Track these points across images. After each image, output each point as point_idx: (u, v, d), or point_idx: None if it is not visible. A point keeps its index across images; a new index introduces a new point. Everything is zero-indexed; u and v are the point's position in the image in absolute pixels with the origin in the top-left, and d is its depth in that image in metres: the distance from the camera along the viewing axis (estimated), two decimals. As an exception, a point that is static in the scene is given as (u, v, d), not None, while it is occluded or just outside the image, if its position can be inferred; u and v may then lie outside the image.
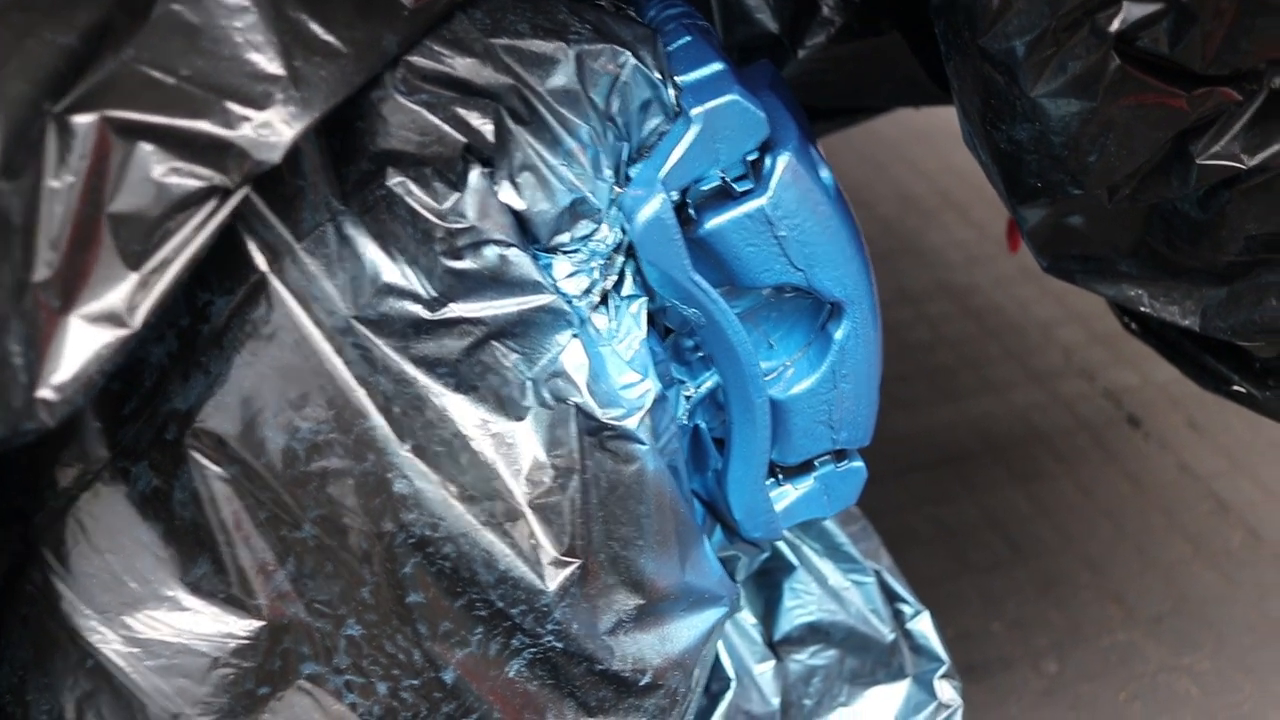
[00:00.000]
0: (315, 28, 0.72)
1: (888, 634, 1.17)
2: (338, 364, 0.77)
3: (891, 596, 1.20)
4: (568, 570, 0.81)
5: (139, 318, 0.68)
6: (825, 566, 1.17)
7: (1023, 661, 1.74)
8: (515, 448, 0.80)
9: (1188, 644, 1.78)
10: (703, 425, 0.95)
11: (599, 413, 0.81)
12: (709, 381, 0.92)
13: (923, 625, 1.19)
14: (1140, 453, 2.13)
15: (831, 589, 1.16)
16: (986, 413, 2.21)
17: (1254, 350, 1.06)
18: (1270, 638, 1.79)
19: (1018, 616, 1.81)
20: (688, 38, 0.86)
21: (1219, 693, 1.71)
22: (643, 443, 0.82)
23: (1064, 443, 2.14)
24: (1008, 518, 1.98)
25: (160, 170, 0.67)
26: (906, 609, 1.20)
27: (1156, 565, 1.91)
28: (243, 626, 0.79)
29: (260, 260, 0.75)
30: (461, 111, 0.77)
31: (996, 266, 2.57)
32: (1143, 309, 1.02)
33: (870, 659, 1.16)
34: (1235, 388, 1.11)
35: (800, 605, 1.14)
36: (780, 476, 0.98)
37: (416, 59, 0.76)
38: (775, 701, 1.11)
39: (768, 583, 1.15)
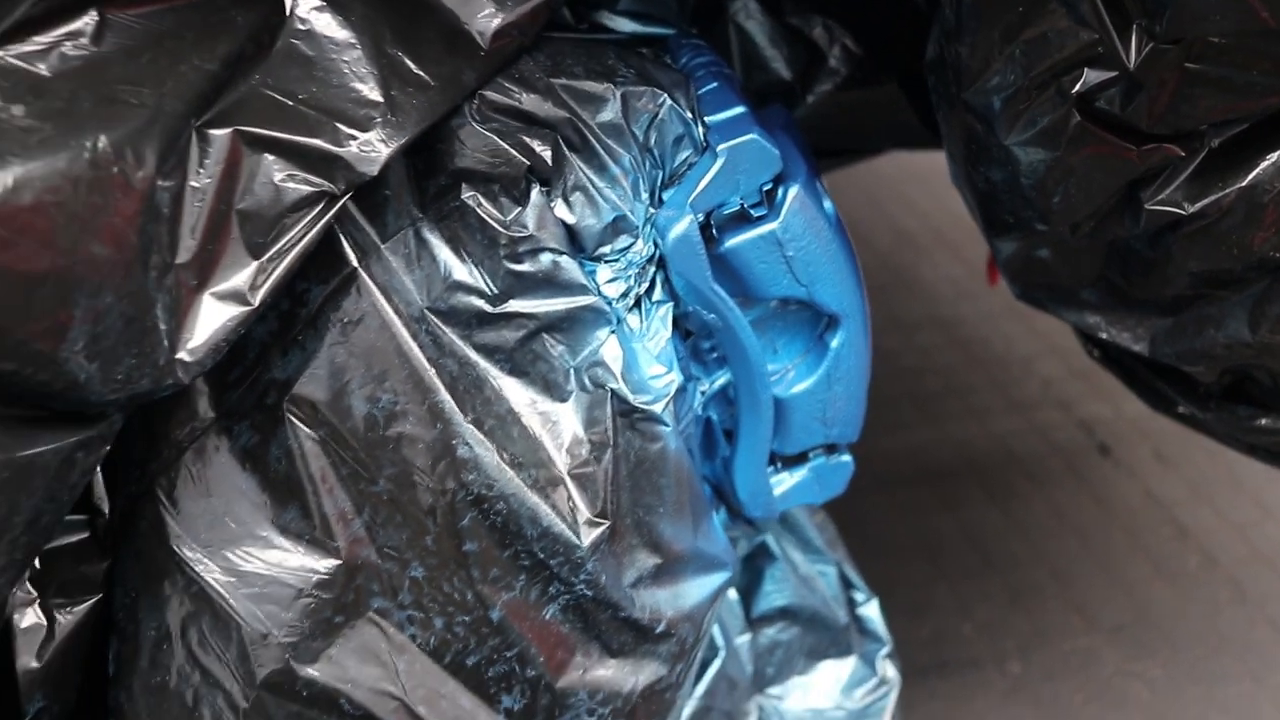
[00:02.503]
0: (409, 63, 0.82)
1: (842, 617, 1.28)
2: (413, 347, 0.85)
3: (847, 584, 1.31)
4: (599, 530, 0.90)
5: (259, 297, 0.78)
6: (797, 556, 1.28)
7: (989, 662, 1.82)
8: (558, 425, 0.89)
9: (1143, 652, 1.86)
10: (714, 418, 1.06)
11: (631, 398, 0.90)
12: (722, 379, 1.03)
13: (871, 611, 1.31)
14: (1109, 479, 2.19)
15: (802, 576, 1.27)
16: (968, 437, 2.28)
17: (1197, 375, 1.13)
18: (1219, 650, 1.87)
19: (987, 621, 1.89)
20: (715, 83, 0.97)
21: (1169, 697, 1.79)
22: (666, 424, 0.92)
23: (1038, 467, 2.21)
24: (982, 532, 2.06)
25: (280, 176, 0.78)
26: (859, 595, 1.31)
27: (1119, 581, 1.98)
28: (324, 564, 0.87)
29: (352, 256, 0.85)
30: (526, 139, 0.87)
31: (984, 302, 2.64)
32: (1101, 334, 1.12)
33: (826, 637, 1.27)
34: (1181, 409, 1.19)
35: (778, 590, 1.26)
36: (779, 465, 1.09)
37: (490, 93, 0.86)
38: (749, 669, 1.23)
39: (752, 568, 1.27)
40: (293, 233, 0.80)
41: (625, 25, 1.03)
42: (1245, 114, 0.91)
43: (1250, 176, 0.93)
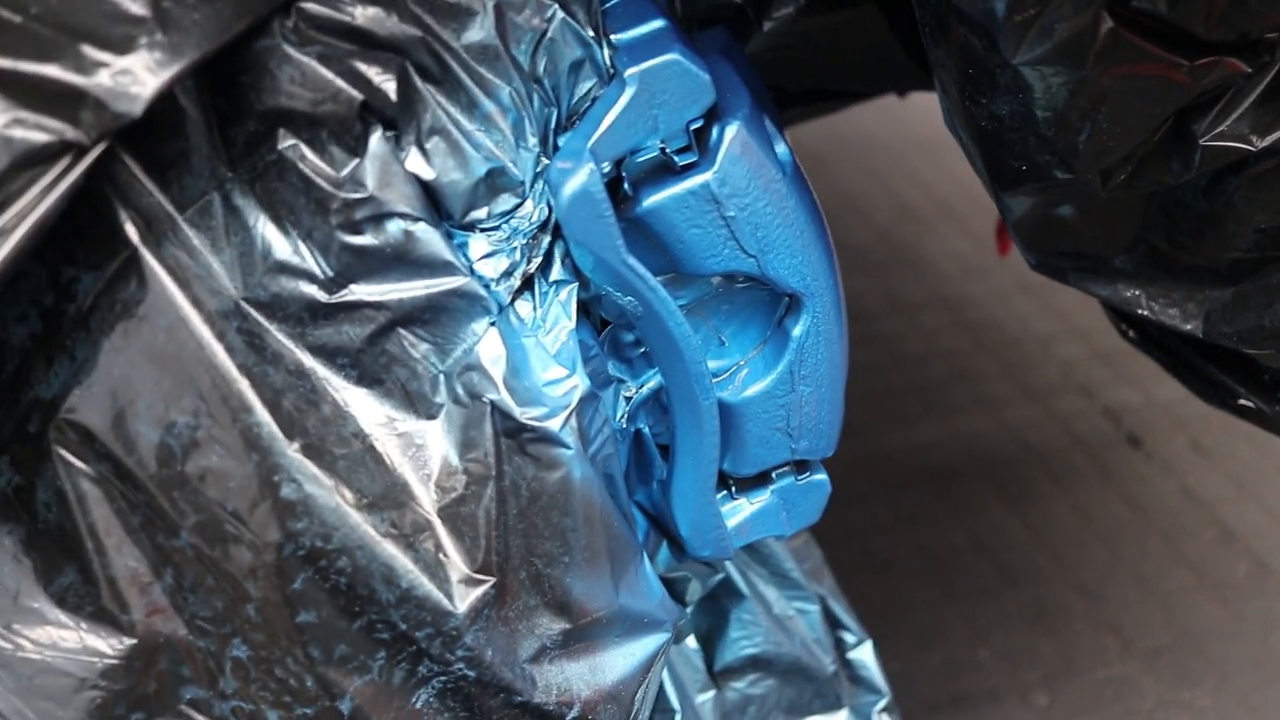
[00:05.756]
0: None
1: (829, 665, 1.11)
2: (218, 351, 0.69)
3: (834, 624, 1.15)
4: (480, 589, 0.73)
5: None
6: (770, 594, 1.11)
7: (1011, 694, 1.69)
8: (425, 450, 0.73)
9: (1188, 679, 1.73)
10: (646, 430, 0.87)
11: (518, 412, 0.72)
12: (652, 381, 0.84)
13: (864, 655, 1.15)
14: (1140, 475, 2.08)
15: (777, 618, 1.10)
16: (979, 430, 2.16)
17: (1263, 360, 0.98)
18: (1276, 675, 1.74)
19: (1007, 646, 1.77)
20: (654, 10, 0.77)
21: (1220, 731, 1.67)
22: (568, 446, 0.74)
23: (1059, 463, 2.10)
24: (998, 542, 1.94)
25: (2, 120, 0.60)
26: (849, 637, 1.15)
27: (1156, 595, 1.86)
28: (113, 644, 0.72)
29: (132, 232, 0.68)
30: (360, 65, 0.69)
31: (994, 279, 2.54)
32: (1140, 312, 0.96)
33: (809, 689, 1.11)
34: (1242, 402, 1.04)
35: (747, 637, 1.08)
36: (733, 489, 0.89)
37: (310, 5, 0.68)
38: (713, 731, 1.06)
39: (714, 609, 1.09)
40: (24, 200, 0.62)
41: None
42: (1336, 11, 0.75)
43: (1341, 99, 0.77)
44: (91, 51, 0.61)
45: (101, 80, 0.61)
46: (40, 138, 0.61)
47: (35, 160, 0.61)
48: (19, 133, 0.60)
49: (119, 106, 0.61)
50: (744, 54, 0.87)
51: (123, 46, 0.62)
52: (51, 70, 0.61)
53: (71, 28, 0.62)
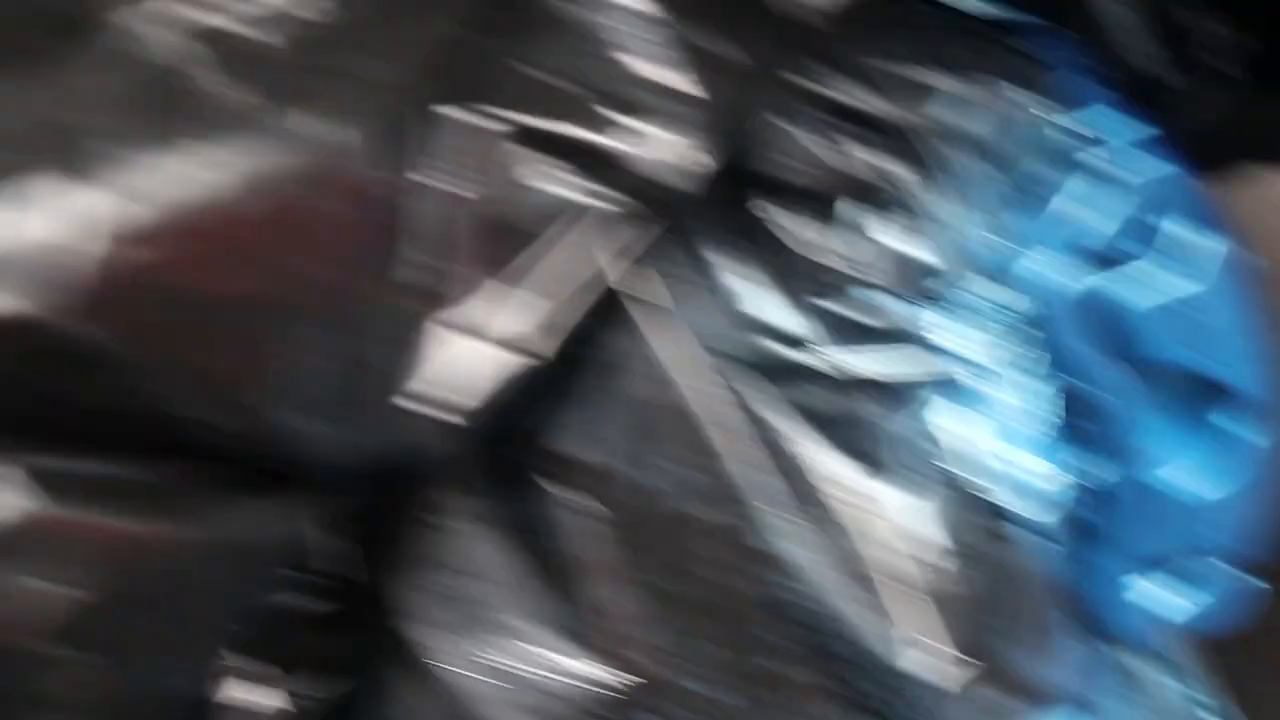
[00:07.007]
0: (723, 44, 0.69)
1: None
2: (694, 401, 0.72)
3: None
4: (967, 672, 0.73)
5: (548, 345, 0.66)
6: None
7: None
8: (893, 517, 0.73)
9: None
10: (1084, 515, 0.87)
11: (985, 491, 0.74)
12: (1093, 466, 0.84)
13: None
14: None
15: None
16: None
17: None
18: None
19: None
20: (1090, 85, 0.80)
21: None
22: (1033, 529, 0.75)
23: None
24: None
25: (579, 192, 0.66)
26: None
27: None
28: (611, 678, 0.73)
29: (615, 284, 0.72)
30: (843, 141, 0.73)
31: None
32: None
33: None
34: None
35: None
36: (1149, 571, 0.88)
37: (804, 83, 0.73)
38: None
39: None
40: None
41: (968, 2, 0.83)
42: None
43: None
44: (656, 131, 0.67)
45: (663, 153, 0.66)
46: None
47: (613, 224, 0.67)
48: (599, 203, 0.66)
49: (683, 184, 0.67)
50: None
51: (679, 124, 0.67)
52: (602, 140, 0.66)
53: (622, 101, 0.66)
